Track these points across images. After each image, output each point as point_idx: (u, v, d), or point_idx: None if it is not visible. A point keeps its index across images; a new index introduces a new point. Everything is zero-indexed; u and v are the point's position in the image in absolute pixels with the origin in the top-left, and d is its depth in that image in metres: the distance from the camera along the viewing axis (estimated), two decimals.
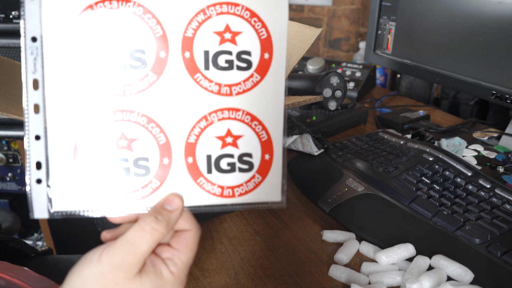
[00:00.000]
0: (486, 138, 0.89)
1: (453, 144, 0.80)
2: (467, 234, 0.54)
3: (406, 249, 0.52)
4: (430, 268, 0.50)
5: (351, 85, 1.14)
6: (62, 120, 0.34)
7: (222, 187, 0.38)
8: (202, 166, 0.37)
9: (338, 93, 0.91)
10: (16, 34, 1.16)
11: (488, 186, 0.62)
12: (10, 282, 0.51)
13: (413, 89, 1.29)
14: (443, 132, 0.91)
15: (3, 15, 1.16)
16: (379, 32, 1.02)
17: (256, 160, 0.38)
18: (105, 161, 0.35)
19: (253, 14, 0.35)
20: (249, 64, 0.36)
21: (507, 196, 0.60)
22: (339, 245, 0.57)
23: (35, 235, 1.63)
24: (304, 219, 0.63)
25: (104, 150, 0.35)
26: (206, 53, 0.35)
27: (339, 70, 1.19)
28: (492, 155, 0.81)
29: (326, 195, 0.64)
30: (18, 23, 1.15)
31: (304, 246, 0.58)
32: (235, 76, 0.36)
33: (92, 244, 0.36)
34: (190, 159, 0.37)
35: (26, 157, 0.34)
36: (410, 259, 0.51)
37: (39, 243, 1.61)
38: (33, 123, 0.34)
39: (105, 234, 0.37)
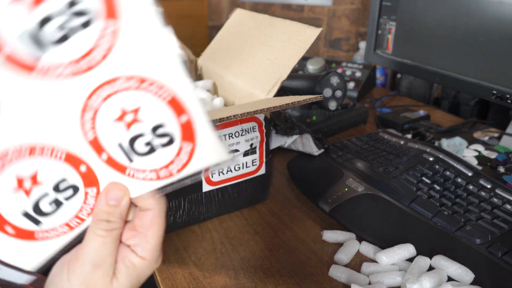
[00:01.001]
0: (486, 138, 0.89)
1: (453, 144, 0.80)
2: (468, 234, 0.54)
3: (407, 249, 0.52)
4: (431, 268, 0.50)
5: (351, 85, 1.14)
6: None
7: (155, 170, 0.33)
8: (120, 157, 0.32)
9: (338, 93, 0.91)
10: None
11: (488, 186, 0.62)
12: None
13: (413, 89, 1.29)
14: (444, 132, 0.91)
15: None
16: (379, 32, 1.02)
17: (173, 128, 0.30)
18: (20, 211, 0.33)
19: None
20: (88, 14, 0.27)
21: (507, 196, 0.60)
22: (339, 245, 0.57)
23: None
24: (304, 219, 0.63)
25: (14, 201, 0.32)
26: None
27: (339, 70, 1.19)
28: (492, 155, 0.81)
29: (326, 195, 0.64)
30: None
31: (304, 246, 0.57)
32: (84, 39, 0.28)
33: None
34: (104, 156, 0.32)
35: None
36: (410, 260, 0.51)
37: None
38: None
39: None
